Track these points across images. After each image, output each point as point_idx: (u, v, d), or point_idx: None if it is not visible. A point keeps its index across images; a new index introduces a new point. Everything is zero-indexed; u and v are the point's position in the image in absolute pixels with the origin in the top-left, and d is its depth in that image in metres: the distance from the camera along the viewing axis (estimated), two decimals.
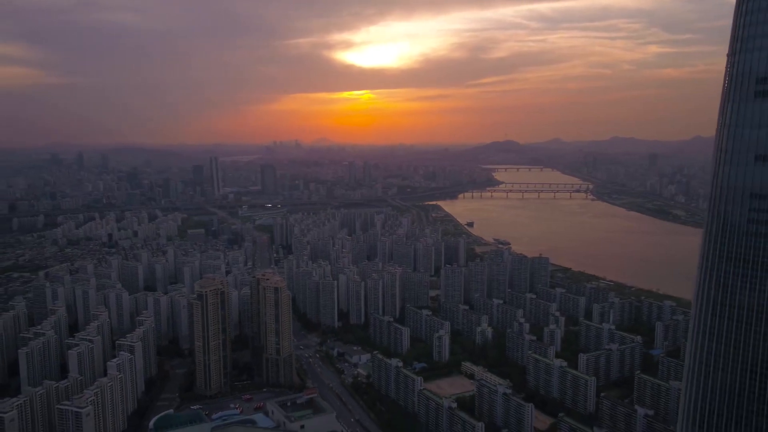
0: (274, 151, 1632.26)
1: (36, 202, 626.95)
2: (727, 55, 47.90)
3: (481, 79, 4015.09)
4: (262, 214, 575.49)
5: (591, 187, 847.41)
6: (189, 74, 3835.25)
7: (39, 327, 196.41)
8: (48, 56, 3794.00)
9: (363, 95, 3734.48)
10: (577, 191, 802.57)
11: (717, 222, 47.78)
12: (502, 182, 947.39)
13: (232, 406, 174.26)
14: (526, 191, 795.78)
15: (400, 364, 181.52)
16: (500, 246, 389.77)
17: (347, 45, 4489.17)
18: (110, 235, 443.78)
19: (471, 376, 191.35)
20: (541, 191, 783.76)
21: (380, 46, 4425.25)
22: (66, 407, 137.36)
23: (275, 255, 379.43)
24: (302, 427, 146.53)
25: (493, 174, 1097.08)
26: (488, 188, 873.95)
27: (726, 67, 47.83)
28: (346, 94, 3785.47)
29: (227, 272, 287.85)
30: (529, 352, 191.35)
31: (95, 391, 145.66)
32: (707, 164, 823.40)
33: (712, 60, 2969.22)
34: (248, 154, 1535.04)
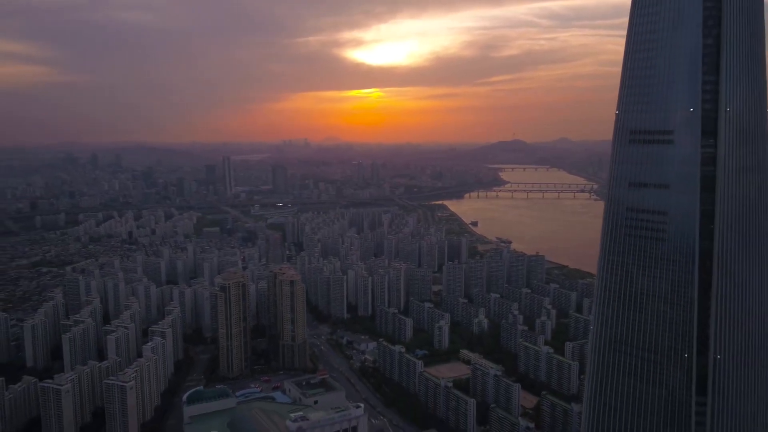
0: (283, 150, 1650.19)
1: (56, 201, 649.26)
2: (615, 113, 67.37)
3: (490, 77, 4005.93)
4: (274, 213, 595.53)
5: (595, 187, 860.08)
6: (198, 72, 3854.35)
7: (78, 315, 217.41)
8: (58, 54, 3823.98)
9: (372, 93, 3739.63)
10: (581, 191, 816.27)
11: (610, 226, 66.92)
12: (508, 182, 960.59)
13: (252, 386, 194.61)
14: (530, 191, 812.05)
15: (403, 350, 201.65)
16: (502, 245, 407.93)
17: (357, 43, 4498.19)
18: (130, 233, 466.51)
19: (468, 362, 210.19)
20: (546, 191, 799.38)
21: (390, 44, 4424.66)
22: (112, 382, 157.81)
23: (287, 252, 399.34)
24: (315, 402, 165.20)
25: (500, 174, 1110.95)
26: (494, 188, 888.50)
27: (615, 121, 67.26)
28: (354, 93, 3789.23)
29: (243, 268, 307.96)
30: (521, 340, 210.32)
31: (135, 369, 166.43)
32: None
33: None
34: (258, 152, 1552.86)
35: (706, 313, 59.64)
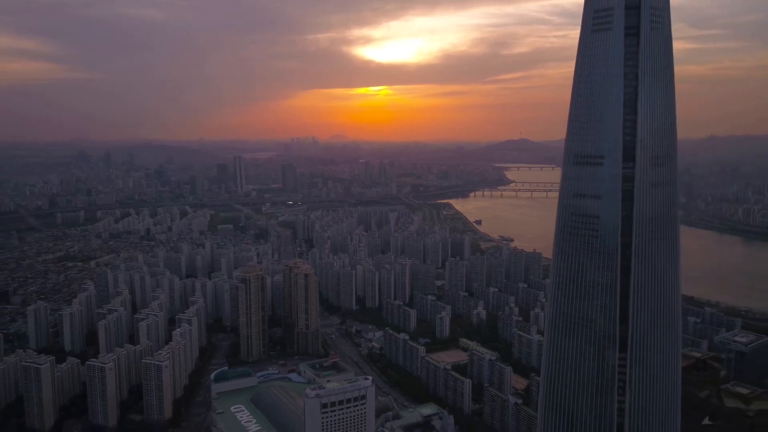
0: (291, 148, 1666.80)
1: (73, 198, 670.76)
2: (565, 140, 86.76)
3: (500, 75, 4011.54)
4: (284, 210, 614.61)
5: None
6: (207, 70, 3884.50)
7: (110, 305, 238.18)
8: (66, 51, 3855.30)
9: (381, 91, 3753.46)
10: None
11: (561, 226, 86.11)
12: (513, 181, 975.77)
13: (270, 369, 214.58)
14: (534, 190, 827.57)
15: (407, 338, 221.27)
16: (504, 242, 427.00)
17: (366, 40, 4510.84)
18: (148, 230, 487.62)
19: (466, 350, 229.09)
20: (549, 191, 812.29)
21: (400, 41, 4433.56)
22: (150, 361, 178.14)
23: (299, 249, 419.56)
24: (328, 382, 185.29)
25: (505, 173, 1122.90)
26: (499, 187, 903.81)
27: (564, 147, 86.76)
28: (362, 90, 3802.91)
29: (258, 263, 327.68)
30: (515, 329, 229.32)
31: (168, 351, 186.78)
32: (716, 165, 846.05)
33: (739, 56, 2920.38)
34: (266, 150, 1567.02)
35: (626, 291, 79.61)
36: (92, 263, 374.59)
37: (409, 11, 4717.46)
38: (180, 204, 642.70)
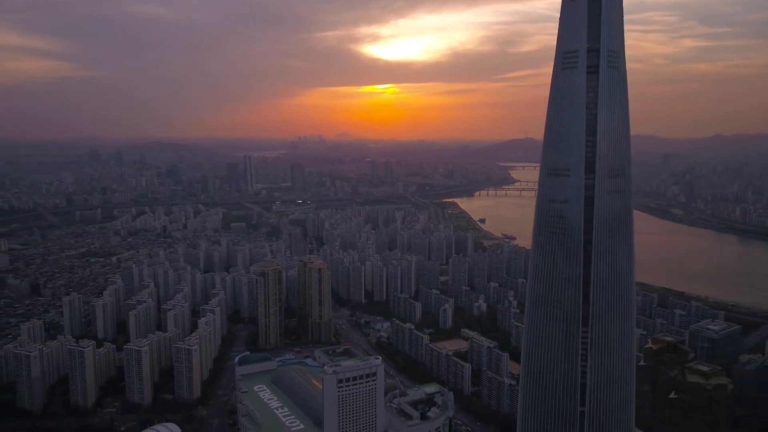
0: (298, 147, 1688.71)
1: (88, 196, 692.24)
2: (542, 153, 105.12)
3: (507, 73, 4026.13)
4: (294, 209, 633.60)
5: None
6: (215, 68, 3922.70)
7: (138, 296, 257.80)
8: (75, 49, 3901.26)
9: (388, 89, 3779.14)
10: None
11: (539, 228, 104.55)
12: (518, 180, 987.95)
13: (286, 355, 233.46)
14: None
15: (413, 327, 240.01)
16: (507, 240, 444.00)
17: (374, 38, 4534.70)
18: (164, 227, 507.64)
19: (467, 339, 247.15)
20: None
21: (408, 39, 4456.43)
22: (181, 345, 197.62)
23: (309, 246, 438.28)
24: None
25: (510, 172, 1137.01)
26: (504, 186, 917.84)
27: (540, 160, 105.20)
28: (369, 88, 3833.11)
29: (272, 258, 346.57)
30: (513, 320, 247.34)
31: (196, 337, 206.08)
32: (720, 164, 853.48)
33: (748, 54, 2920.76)
34: (273, 149, 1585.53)
35: (588, 278, 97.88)
36: (114, 259, 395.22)
37: (417, 9, 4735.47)
38: (193, 202, 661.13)
